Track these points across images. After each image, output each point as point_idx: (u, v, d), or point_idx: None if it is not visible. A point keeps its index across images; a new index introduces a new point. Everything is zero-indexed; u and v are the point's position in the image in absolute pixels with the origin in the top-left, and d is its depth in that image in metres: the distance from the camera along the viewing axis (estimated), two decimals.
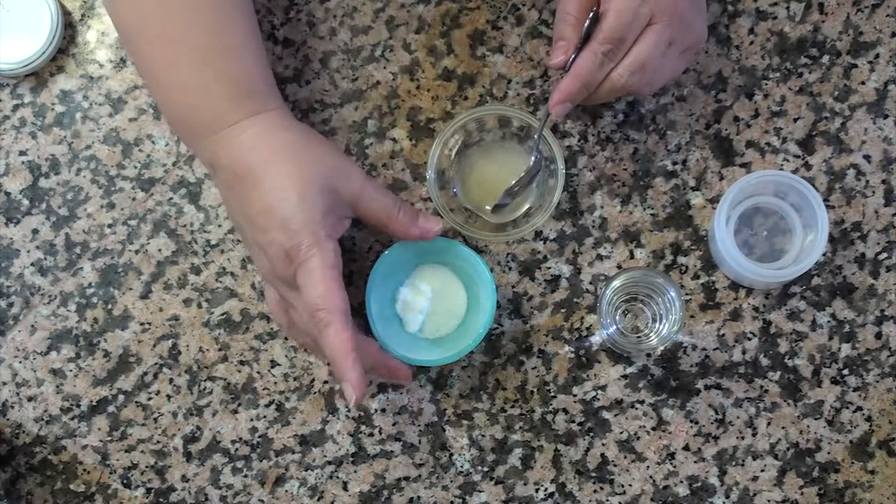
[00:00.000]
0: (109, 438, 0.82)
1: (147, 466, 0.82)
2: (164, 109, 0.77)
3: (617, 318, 0.80)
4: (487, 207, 0.80)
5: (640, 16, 0.71)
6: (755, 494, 0.79)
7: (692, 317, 0.81)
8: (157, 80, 0.74)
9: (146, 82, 0.79)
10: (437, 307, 0.80)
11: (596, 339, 0.81)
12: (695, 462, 0.80)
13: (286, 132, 0.73)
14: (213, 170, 0.74)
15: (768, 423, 0.80)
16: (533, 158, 0.78)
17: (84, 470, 0.82)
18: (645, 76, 0.73)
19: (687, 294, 0.81)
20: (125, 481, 0.82)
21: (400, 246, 0.78)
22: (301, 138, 0.73)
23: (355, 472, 0.81)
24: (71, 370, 0.83)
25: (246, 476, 0.82)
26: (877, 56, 0.82)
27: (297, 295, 0.71)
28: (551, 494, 0.80)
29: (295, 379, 0.82)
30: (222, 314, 0.83)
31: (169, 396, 0.82)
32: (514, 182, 0.79)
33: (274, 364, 0.82)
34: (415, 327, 0.79)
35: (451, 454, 0.81)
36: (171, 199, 0.84)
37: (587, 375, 0.81)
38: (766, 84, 0.82)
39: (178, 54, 0.72)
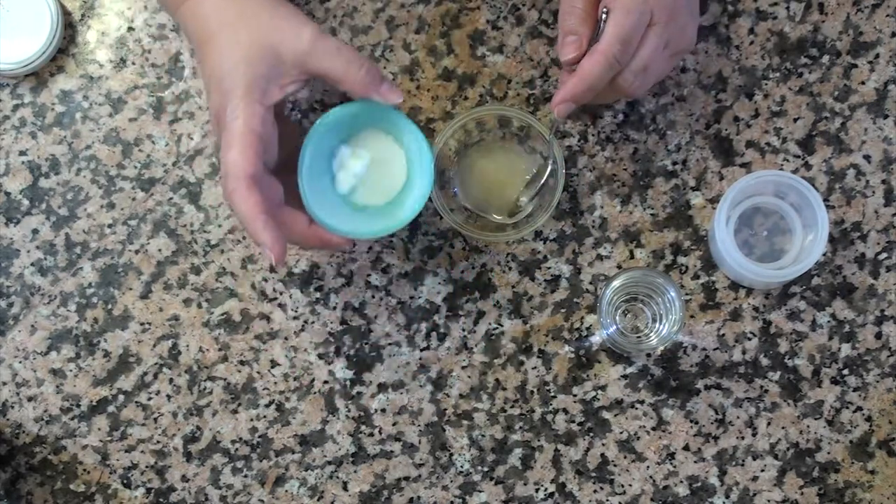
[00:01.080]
0: (109, 438, 0.82)
1: (147, 466, 0.82)
2: None
3: (617, 318, 0.80)
4: (497, 217, 0.80)
5: (644, 14, 0.71)
6: (755, 494, 0.79)
7: (692, 317, 0.81)
8: None
9: None
10: (373, 175, 0.76)
11: (596, 339, 0.81)
12: (695, 462, 0.80)
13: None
14: (191, 42, 0.74)
15: (768, 423, 0.80)
16: (550, 166, 0.78)
17: (84, 470, 0.82)
18: (647, 78, 0.73)
19: (687, 294, 0.81)
20: (125, 481, 0.82)
21: (350, 106, 0.74)
22: (256, 4, 0.71)
23: (355, 472, 0.81)
24: (71, 370, 0.83)
25: (246, 476, 0.82)
26: (877, 56, 0.82)
27: None
28: (551, 494, 0.80)
29: (295, 379, 0.82)
30: (222, 314, 0.83)
31: (169, 396, 0.82)
32: (533, 190, 0.78)
33: (274, 364, 0.82)
34: (345, 188, 0.75)
35: (451, 454, 0.81)
36: (171, 199, 0.84)
37: (587, 375, 0.81)
38: (766, 84, 0.82)
39: None
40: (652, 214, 0.81)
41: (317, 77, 0.71)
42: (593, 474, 0.80)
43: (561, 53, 0.73)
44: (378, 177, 0.76)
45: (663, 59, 0.74)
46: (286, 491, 0.81)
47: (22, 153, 0.84)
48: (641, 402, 0.80)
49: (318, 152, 0.74)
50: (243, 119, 0.68)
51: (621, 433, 0.80)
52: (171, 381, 0.82)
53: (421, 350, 0.82)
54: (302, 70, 0.71)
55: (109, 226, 0.84)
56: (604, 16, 0.70)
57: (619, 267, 0.81)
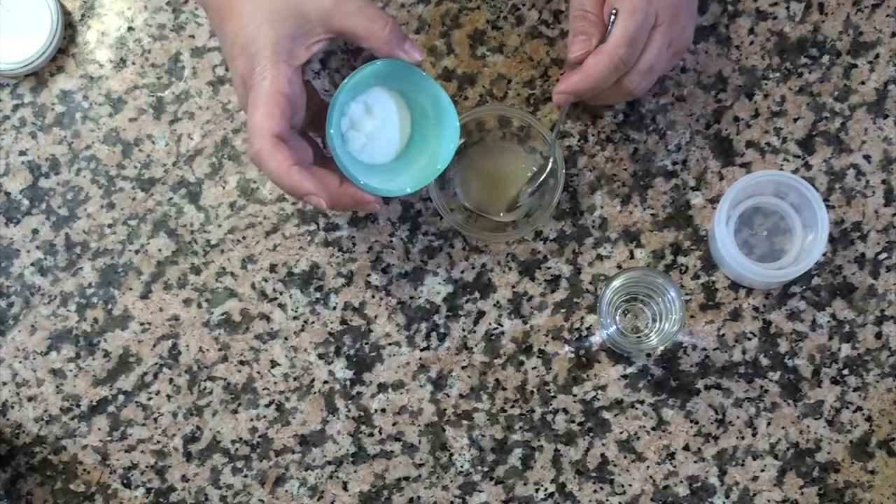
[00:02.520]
0: (109, 438, 0.82)
1: (147, 466, 0.82)
2: None
3: (617, 318, 0.80)
4: (503, 216, 0.80)
5: (649, 15, 0.71)
6: (755, 494, 0.79)
7: (692, 317, 0.81)
8: None
9: None
10: (379, 133, 0.76)
11: (596, 339, 0.81)
12: (695, 462, 0.80)
13: None
14: (206, 9, 0.74)
15: (768, 423, 0.80)
16: (550, 164, 0.78)
17: (84, 470, 0.82)
18: (651, 79, 0.73)
19: (687, 294, 0.81)
20: (125, 481, 0.82)
21: (375, 65, 0.73)
22: None
23: (355, 472, 0.81)
24: (71, 370, 0.83)
25: (246, 476, 0.82)
26: (877, 56, 0.82)
27: None
28: (551, 494, 0.80)
29: (295, 379, 0.82)
30: (222, 314, 0.83)
31: (169, 396, 0.82)
32: (533, 186, 0.78)
33: (274, 364, 0.82)
34: (357, 146, 0.75)
35: (451, 454, 0.81)
36: (171, 199, 0.84)
37: (587, 375, 0.81)
38: (766, 84, 0.82)
39: None
40: (652, 214, 0.81)
41: (341, 35, 0.71)
42: (593, 474, 0.80)
43: (570, 51, 0.73)
44: (383, 135, 0.76)
45: (666, 58, 0.74)
46: (286, 491, 0.81)
47: (22, 153, 0.84)
48: (641, 402, 0.80)
49: (343, 111, 0.73)
50: (270, 80, 0.67)
51: (621, 433, 0.80)
52: (171, 381, 0.82)
53: (421, 350, 0.82)
54: (326, 29, 0.70)
55: (109, 226, 0.84)
56: (612, 18, 0.70)
57: (619, 267, 0.81)
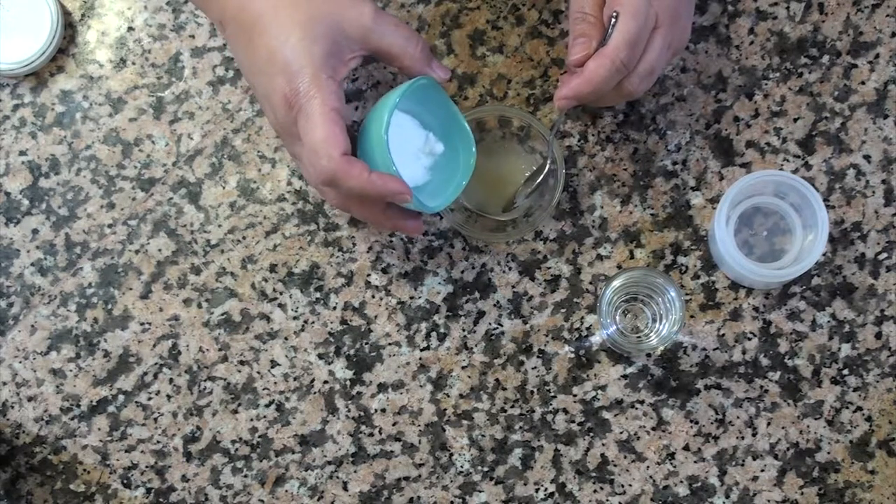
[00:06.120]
0: (109, 438, 0.82)
1: (147, 466, 0.82)
2: None
3: (617, 318, 0.80)
4: (504, 217, 0.80)
5: (650, 17, 0.71)
6: (755, 494, 0.79)
7: (692, 317, 0.81)
8: None
9: None
10: (404, 154, 0.75)
11: (596, 339, 0.81)
12: (695, 462, 0.80)
13: None
14: (223, 27, 0.73)
15: (768, 423, 0.80)
16: (550, 164, 0.78)
17: (84, 470, 0.82)
18: (651, 81, 0.73)
19: (687, 294, 0.81)
20: (125, 481, 0.82)
21: (422, 80, 0.73)
22: None
23: (355, 472, 0.81)
24: (71, 370, 0.83)
25: (246, 476, 0.82)
26: (877, 56, 0.82)
27: (299, 146, 0.69)
28: (551, 494, 0.80)
29: (295, 379, 0.82)
30: (222, 314, 0.83)
31: (169, 396, 0.82)
32: (532, 186, 0.78)
33: (274, 364, 0.82)
34: (419, 176, 0.76)
35: (451, 454, 0.81)
36: (171, 199, 0.84)
37: (587, 375, 0.81)
38: (766, 84, 0.82)
39: None
40: (652, 214, 0.81)
41: (376, 53, 0.72)
42: (593, 474, 0.80)
43: (570, 53, 0.73)
44: (409, 155, 0.76)
45: (665, 59, 0.74)
46: (286, 491, 0.81)
47: (22, 153, 0.84)
48: (641, 402, 0.80)
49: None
50: (321, 98, 0.67)
51: (621, 433, 0.80)
52: (171, 381, 0.82)
53: (421, 350, 0.82)
54: (363, 46, 0.71)
55: (109, 226, 0.84)
56: (613, 20, 0.70)
57: (619, 267, 0.81)
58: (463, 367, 0.81)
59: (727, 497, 0.79)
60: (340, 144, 0.67)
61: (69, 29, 0.85)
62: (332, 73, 0.69)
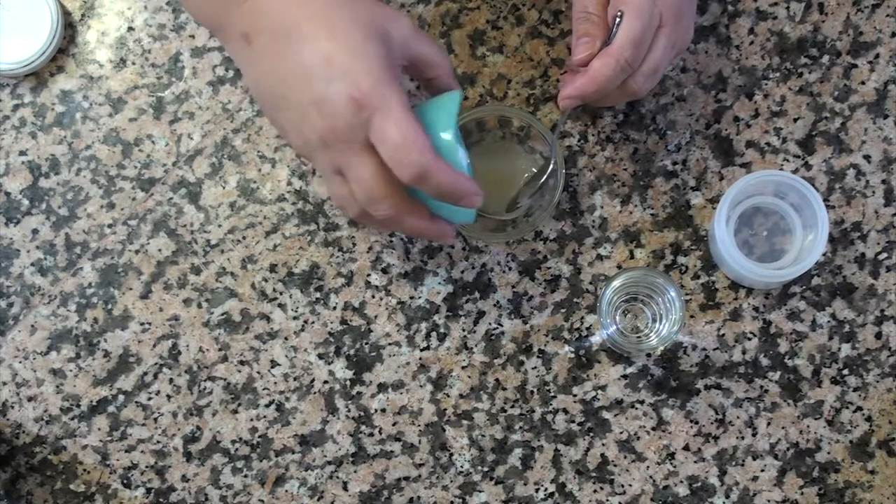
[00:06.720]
0: (109, 438, 0.82)
1: (147, 466, 0.82)
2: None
3: (617, 318, 0.80)
4: (505, 217, 0.80)
5: (654, 17, 0.71)
6: (755, 494, 0.79)
7: (692, 317, 0.81)
8: None
9: None
10: None
11: (596, 339, 0.81)
12: (695, 462, 0.80)
13: None
14: (248, 39, 0.69)
15: (768, 423, 0.80)
16: (551, 164, 0.78)
17: (84, 470, 0.82)
18: (654, 80, 0.73)
19: (687, 294, 0.81)
20: (125, 481, 0.82)
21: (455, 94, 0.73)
22: None
23: (355, 472, 0.81)
24: (71, 370, 0.83)
25: (246, 476, 0.82)
26: (877, 56, 0.82)
27: (357, 154, 0.67)
28: (551, 494, 0.80)
29: (295, 379, 0.82)
30: (222, 314, 0.83)
31: (169, 396, 0.82)
32: (535, 186, 0.78)
33: (274, 364, 0.82)
34: None
35: (451, 454, 0.81)
36: (171, 199, 0.84)
37: (587, 375, 0.81)
38: (766, 84, 0.82)
39: None
40: (652, 214, 0.81)
41: (415, 61, 0.71)
42: (593, 474, 0.80)
43: (573, 53, 0.73)
44: None
45: (668, 58, 0.74)
46: (286, 491, 0.81)
47: (22, 153, 0.84)
48: (641, 402, 0.80)
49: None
50: (396, 98, 0.65)
51: (621, 433, 0.80)
52: (171, 381, 0.82)
53: (421, 350, 0.82)
54: (404, 53, 0.70)
55: (109, 226, 0.84)
56: (618, 19, 0.70)
57: (619, 267, 0.81)
58: (463, 367, 0.81)
59: (727, 497, 0.79)
60: (427, 140, 0.66)
61: (69, 29, 0.85)
62: (398, 74, 0.68)
